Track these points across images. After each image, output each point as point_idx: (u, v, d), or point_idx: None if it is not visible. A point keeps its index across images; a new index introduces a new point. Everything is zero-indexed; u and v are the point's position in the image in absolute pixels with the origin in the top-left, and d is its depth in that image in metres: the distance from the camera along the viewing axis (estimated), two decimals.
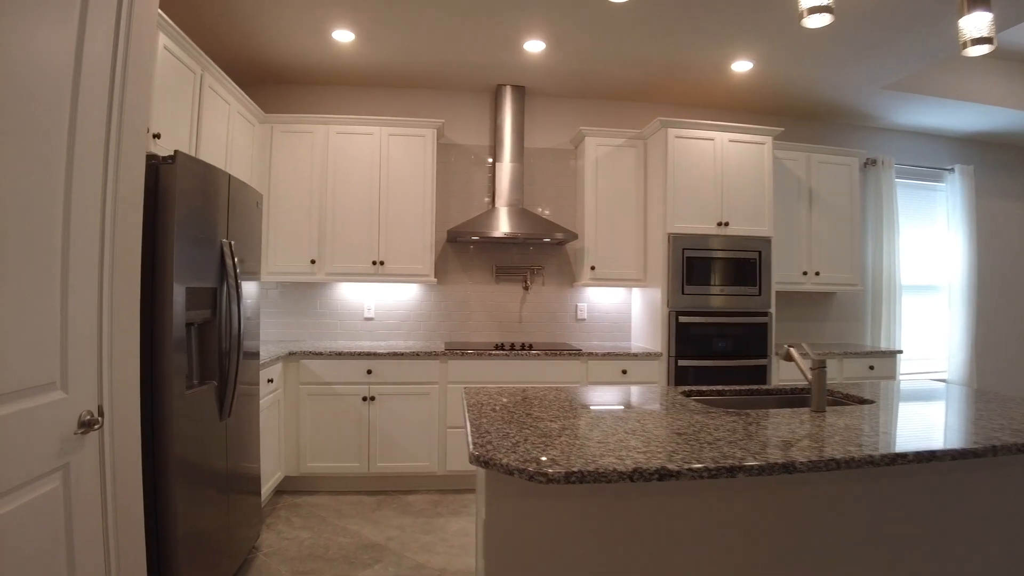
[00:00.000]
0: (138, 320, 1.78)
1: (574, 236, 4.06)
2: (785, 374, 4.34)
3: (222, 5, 3.23)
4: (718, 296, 4.14)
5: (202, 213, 2.24)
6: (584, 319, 4.62)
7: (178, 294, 2.05)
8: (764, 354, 4.24)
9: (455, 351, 3.78)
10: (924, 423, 1.91)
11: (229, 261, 2.41)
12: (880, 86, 4.49)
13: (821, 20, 2.07)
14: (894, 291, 5.24)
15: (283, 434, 3.61)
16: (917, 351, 5.57)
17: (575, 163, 4.68)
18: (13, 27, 1.23)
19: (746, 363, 4.21)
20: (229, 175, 2.48)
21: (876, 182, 5.28)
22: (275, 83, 4.40)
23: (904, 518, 1.78)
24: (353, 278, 4.04)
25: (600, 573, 1.61)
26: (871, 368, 4.52)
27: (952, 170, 5.60)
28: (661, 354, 4.03)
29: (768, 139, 4.29)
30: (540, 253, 4.60)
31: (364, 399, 3.69)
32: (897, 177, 5.34)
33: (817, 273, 4.71)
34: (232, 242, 2.47)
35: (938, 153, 5.64)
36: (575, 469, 1.35)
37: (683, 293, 4.06)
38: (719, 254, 4.15)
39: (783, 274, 4.52)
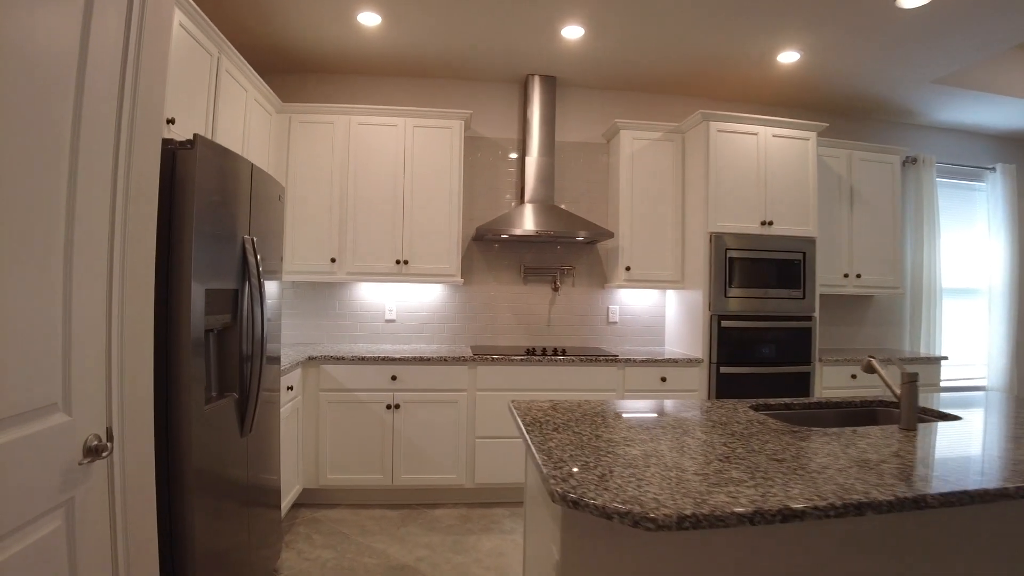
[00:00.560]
0: (151, 327, 1.55)
1: (609, 234, 3.82)
2: (827, 381, 4.10)
3: None
4: (761, 299, 3.90)
5: (223, 206, 2.01)
6: (616, 322, 4.38)
7: (196, 297, 1.82)
8: (807, 361, 4.00)
9: (484, 356, 3.55)
10: None
11: (252, 259, 2.18)
12: (929, 79, 4.24)
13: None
14: (934, 294, 5.00)
15: (302, 444, 3.38)
16: (956, 357, 5.32)
17: (607, 158, 4.44)
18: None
19: (788, 370, 3.96)
20: (252, 164, 2.25)
21: (916, 181, 5.02)
22: (293, 71, 4.17)
23: None
24: (375, 278, 3.81)
25: None
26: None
27: (993, 169, 5.35)
28: (702, 360, 3.78)
29: (812, 134, 4.05)
30: (569, 252, 4.36)
31: (388, 407, 3.46)
32: (937, 176, 5.09)
33: (858, 275, 4.47)
34: (255, 238, 2.24)
35: (979, 151, 5.39)
36: (687, 513, 1.11)
37: (725, 296, 3.82)
38: (763, 255, 3.91)
39: (824, 276, 4.28)
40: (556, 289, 4.30)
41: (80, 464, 1.24)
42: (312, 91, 4.18)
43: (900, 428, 1.90)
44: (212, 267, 1.93)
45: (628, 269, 4.01)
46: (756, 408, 2.31)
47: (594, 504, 1.16)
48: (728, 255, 3.84)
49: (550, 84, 4.16)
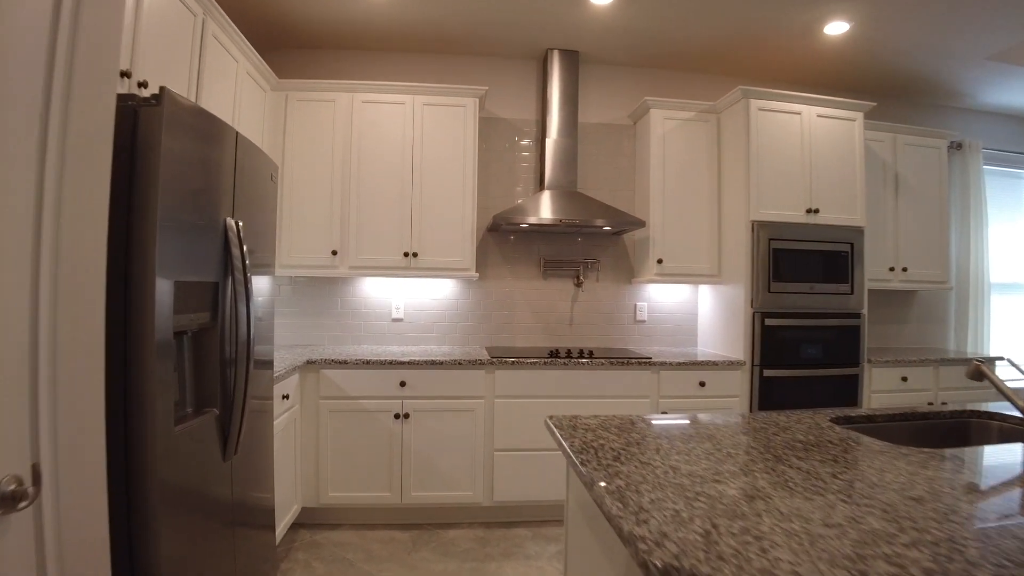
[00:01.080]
0: (102, 331, 1.18)
1: (641, 223, 3.45)
2: (876, 384, 3.72)
3: None
4: (807, 295, 3.53)
5: (199, 180, 1.65)
6: (644, 320, 4.01)
7: (163, 291, 1.46)
8: (855, 362, 3.62)
9: (503, 359, 3.18)
10: None
11: (236, 246, 1.82)
12: (984, 55, 3.86)
13: None
14: (982, 290, 4.63)
15: (300, 459, 3.02)
16: (1004, 355, 4.93)
17: (634, 141, 4.07)
18: None
19: (835, 372, 3.59)
20: (237, 132, 1.89)
21: (962, 168, 4.65)
22: (290, 47, 3.80)
23: None
24: (381, 272, 3.45)
25: None
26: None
27: None
28: (744, 363, 3.41)
29: (859, 115, 3.68)
30: (592, 244, 3.99)
31: (396, 416, 3.10)
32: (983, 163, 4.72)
33: (904, 269, 4.10)
34: (239, 222, 1.87)
35: None
36: None
37: (769, 291, 3.45)
38: (809, 246, 3.54)
39: (869, 270, 3.90)
40: (579, 284, 3.93)
41: None
42: (312, 69, 3.82)
43: None
44: (185, 255, 1.57)
45: (660, 262, 3.64)
46: (837, 421, 1.96)
47: None
48: (772, 246, 3.47)
49: (572, 59, 3.79)
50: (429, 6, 3.27)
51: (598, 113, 4.03)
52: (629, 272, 4.01)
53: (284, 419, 2.73)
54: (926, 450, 1.49)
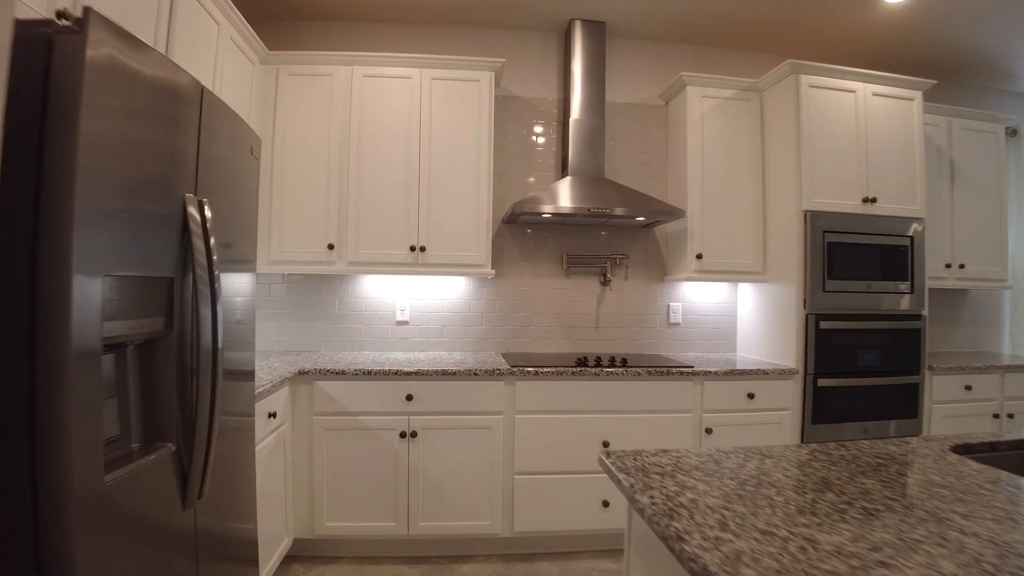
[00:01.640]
0: None
1: (681, 213, 3.04)
2: (937, 394, 3.31)
3: None
4: (865, 294, 3.12)
5: (143, 145, 1.24)
6: (678, 323, 3.60)
7: (86, 291, 1.06)
8: (915, 369, 3.21)
9: (524, 368, 2.77)
10: None
11: (199, 235, 1.41)
12: None
13: None
14: None
15: (292, 485, 2.62)
16: None
17: (666, 122, 3.65)
18: None
19: (893, 381, 3.18)
20: (202, 86, 1.48)
21: (1017, 156, 4.23)
22: (282, 18, 3.40)
23: None
24: (384, 269, 3.04)
25: None
26: None
27: None
28: (796, 371, 3.00)
29: (918, 94, 3.28)
30: (621, 238, 3.57)
31: (402, 435, 2.69)
32: None
33: (961, 266, 3.68)
34: (204, 201, 1.47)
35: None
36: None
37: (824, 291, 3.04)
38: (866, 239, 3.13)
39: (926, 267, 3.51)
40: (606, 283, 3.51)
41: None
42: (307, 42, 3.41)
43: None
44: (123, 243, 1.17)
45: (700, 257, 3.23)
46: (956, 450, 1.56)
47: None
48: (826, 239, 3.06)
49: (598, 31, 3.38)
50: None
51: (625, 92, 3.62)
52: (661, 269, 3.60)
53: (271, 440, 2.33)
54: None
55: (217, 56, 2.47)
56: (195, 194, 1.44)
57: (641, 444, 2.84)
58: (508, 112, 3.49)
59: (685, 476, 1.23)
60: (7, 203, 1.01)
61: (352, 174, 3.01)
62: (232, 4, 2.49)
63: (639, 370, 2.83)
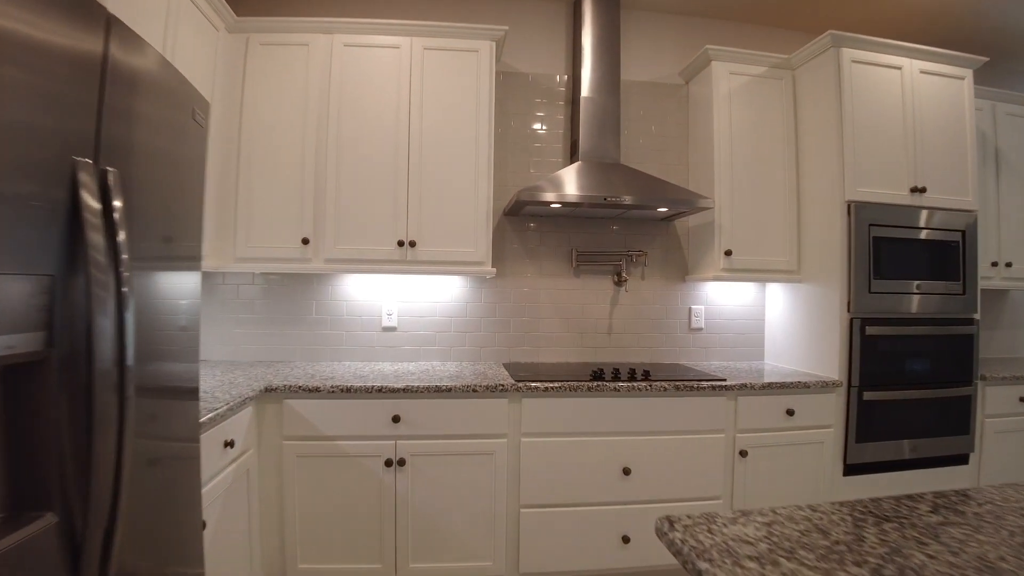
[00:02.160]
0: None
1: (711, 204, 2.66)
2: (991, 407, 2.96)
3: None
4: (914, 295, 2.76)
5: (3, 76, 0.84)
6: (700, 328, 3.22)
7: None
8: (967, 379, 2.86)
9: (530, 383, 2.38)
10: None
11: (91, 229, 1.01)
12: None
13: None
14: None
15: (259, 524, 2.21)
16: None
17: (687, 103, 3.27)
18: None
19: (944, 394, 2.82)
20: (108, 12, 1.08)
21: None
22: None
23: None
24: (368, 267, 2.64)
25: None
26: None
27: None
28: (839, 383, 2.63)
29: (968, 73, 2.94)
30: (636, 232, 3.19)
31: (388, 463, 2.29)
32: None
33: (1008, 264, 3.33)
34: (110, 171, 1.07)
35: None
36: None
37: (870, 292, 2.68)
38: (915, 234, 2.77)
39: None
40: (620, 283, 3.13)
41: None
42: (282, 7, 3.01)
43: None
44: None
45: (728, 254, 2.85)
46: None
47: None
48: (872, 234, 2.69)
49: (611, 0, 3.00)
50: None
51: (640, 70, 3.24)
52: (682, 268, 3.22)
53: (230, 472, 1.92)
54: None
55: (169, 17, 2.07)
56: (95, 160, 1.04)
57: (667, 471, 2.46)
58: (510, 90, 3.10)
59: (788, 560, 0.84)
60: None
61: (331, 158, 2.61)
62: None
63: (665, 385, 2.44)
